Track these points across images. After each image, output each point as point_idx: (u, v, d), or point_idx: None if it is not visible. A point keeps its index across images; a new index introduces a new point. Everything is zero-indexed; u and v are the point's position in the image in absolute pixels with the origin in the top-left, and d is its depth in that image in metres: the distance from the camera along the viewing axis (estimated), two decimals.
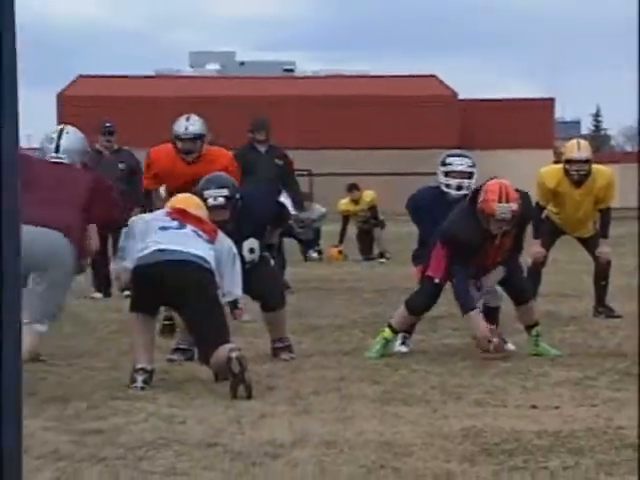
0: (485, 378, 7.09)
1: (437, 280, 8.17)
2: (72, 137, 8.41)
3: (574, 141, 10.62)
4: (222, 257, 7.51)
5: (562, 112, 76.26)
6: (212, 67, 61.44)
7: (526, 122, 49.52)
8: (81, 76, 51.61)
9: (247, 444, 5.22)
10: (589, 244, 10.58)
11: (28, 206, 7.62)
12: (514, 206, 7.82)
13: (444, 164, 8.80)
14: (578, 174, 10.14)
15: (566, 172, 10.22)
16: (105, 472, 4.74)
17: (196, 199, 8.15)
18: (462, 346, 8.53)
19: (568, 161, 10.22)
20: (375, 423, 5.71)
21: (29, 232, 7.40)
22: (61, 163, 8.20)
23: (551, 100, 53.03)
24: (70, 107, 44.16)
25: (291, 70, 62.12)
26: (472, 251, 8.05)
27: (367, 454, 5.00)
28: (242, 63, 63.81)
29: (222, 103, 45.00)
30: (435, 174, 8.90)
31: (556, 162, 10.92)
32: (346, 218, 20.49)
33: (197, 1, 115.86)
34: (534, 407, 6.12)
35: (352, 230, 20.26)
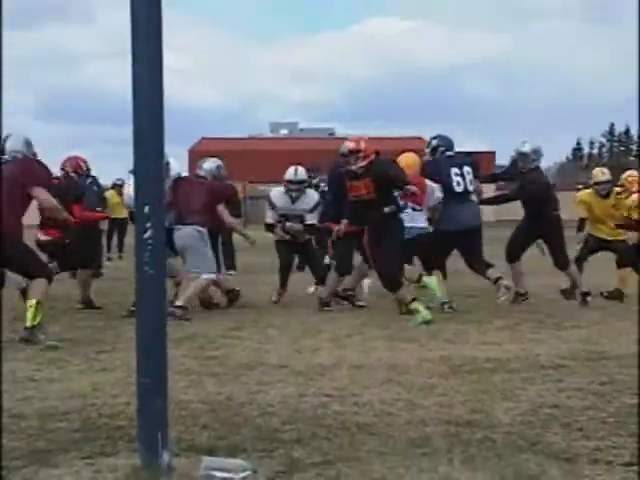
0: (454, 325, 7.01)
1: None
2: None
3: (598, 169, 9.84)
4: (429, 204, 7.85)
5: (500, 160, 75.24)
6: (283, 132, 61.31)
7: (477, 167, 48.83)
8: (203, 138, 51.80)
9: (305, 366, 5.20)
10: (614, 247, 9.51)
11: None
12: (350, 145, 7.45)
13: None
14: (605, 190, 9.48)
15: (596, 191, 9.55)
16: (218, 382, 4.73)
17: (412, 157, 8.11)
18: (438, 307, 8.40)
19: (597, 183, 9.57)
20: (386, 353, 5.67)
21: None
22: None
23: (493, 152, 52.49)
24: (196, 159, 44.17)
25: (332, 134, 61.93)
26: (342, 184, 7.62)
27: (380, 372, 4.97)
28: (302, 129, 63.63)
29: (291, 155, 44.93)
30: None
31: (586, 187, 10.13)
32: None
33: (273, 91, 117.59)
34: (484, 343, 6.06)
35: None
